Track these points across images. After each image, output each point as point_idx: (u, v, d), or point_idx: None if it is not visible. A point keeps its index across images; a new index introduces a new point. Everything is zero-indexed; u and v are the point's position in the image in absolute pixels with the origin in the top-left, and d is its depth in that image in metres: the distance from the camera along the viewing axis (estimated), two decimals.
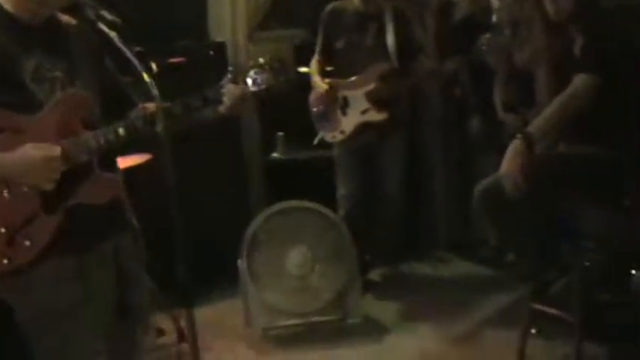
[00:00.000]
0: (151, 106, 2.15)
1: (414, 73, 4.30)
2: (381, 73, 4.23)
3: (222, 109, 2.20)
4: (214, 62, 4.62)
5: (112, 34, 2.08)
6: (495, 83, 4.47)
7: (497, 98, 4.45)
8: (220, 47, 4.81)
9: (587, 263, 3.14)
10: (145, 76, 2.01)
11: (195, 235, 4.32)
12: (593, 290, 3.19)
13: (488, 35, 3.98)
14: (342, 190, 4.43)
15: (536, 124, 3.07)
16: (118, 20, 2.13)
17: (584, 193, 3.12)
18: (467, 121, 4.86)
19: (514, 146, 2.99)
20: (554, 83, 3.35)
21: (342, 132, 4.33)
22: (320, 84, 4.32)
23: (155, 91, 2.02)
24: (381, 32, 4.23)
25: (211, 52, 4.72)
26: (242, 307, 3.98)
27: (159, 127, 2.05)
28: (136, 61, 2.00)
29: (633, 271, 3.02)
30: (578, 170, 3.14)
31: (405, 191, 4.54)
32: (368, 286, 4.43)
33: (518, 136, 3.01)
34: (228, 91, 2.19)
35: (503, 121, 4.45)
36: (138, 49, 4.18)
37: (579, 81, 3.06)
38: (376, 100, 4.23)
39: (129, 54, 2.02)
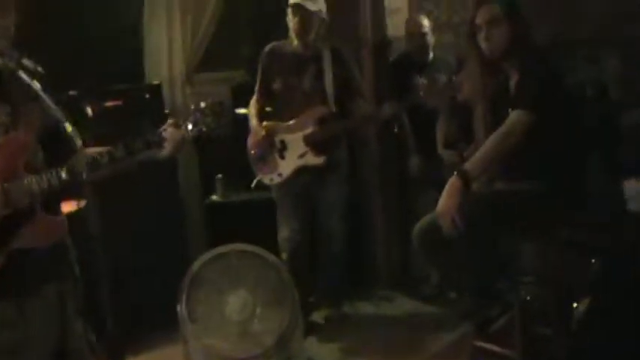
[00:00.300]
0: (92, 150, 2.14)
1: (352, 117, 4.32)
2: (318, 116, 4.23)
3: (163, 152, 2.19)
4: (150, 105, 4.59)
5: (34, 83, 2.08)
6: (439, 120, 4.53)
7: (439, 134, 4.51)
8: (156, 89, 4.78)
9: (528, 298, 3.17)
10: (68, 127, 2.02)
11: (134, 280, 4.33)
12: (535, 325, 3.21)
13: (424, 80, 4.02)
14: (283, 232, 4.40)
15: (473, 161, 3.08)
16: (39, 69, 2.12)
17: (521, 228, 3.15)
18: (406, 160, 4.91)
19: (450, 184, 3.01)
20: (491, 120, 3.41)
21: (280, 175, 4.32)
22: (257, 128, 4.31)
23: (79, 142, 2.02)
24: (320, 74, 4.24)
25: (147, 95, 4.67)
26: (182, 353, 3.90)
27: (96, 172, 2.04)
28: (58, 112, 2.01)
29: (575, 304, 3.06)
30: (514, 207, 3.17)
31: (346, 231, 4.53)
32: (311, 329, 4.39)
33: (455, 173, 3.03)
34: (170, 134, 2.18)
35: (442, 157, 4.51)
36: (72, 92, 4.20)
37: (514, 117, 3.10)
38: (314, 143, 4.23)
39: (49, 102, 2.03)
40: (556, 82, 3.26)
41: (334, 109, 4.25)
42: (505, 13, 3.23)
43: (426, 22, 4.96)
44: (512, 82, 3.29)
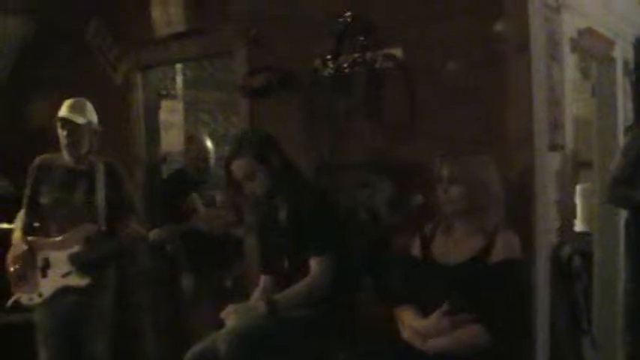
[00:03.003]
0: None
1: (123, 237, 4.11)
2: (87, 235, 4.00)
3: None
4: None
5: None
6: None
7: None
8: None
9: None
10: None
11: None
12: None
13: (201, 205, 3.98)
14: (43, 358, 4.05)
15: (285, 295, 3.27)
16: None
17: None
18: (179, 279, 4.78)
19: (254, 305, 3.26)
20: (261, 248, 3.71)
21: (41, 295, 4.00)
22: (19, 242, 4.00)
23: None
24: (91, 190, 4.05)
25: None
26: None
27: None
28: None
29: None
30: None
31: (111, 355, 4.27)
32: None
33: (263, 298, 3.23)
34: None
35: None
36: None
37: (316, 267, 3.29)
38: (80, 263, 3.98)
39: None
40: (327, 209, 3.41)
41: (104, 228, 4.04)
42: (258, 162, 3.36)
43: (205, 137, 4.95)
44: (283, 214, 3.41)
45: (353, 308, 3.47)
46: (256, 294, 3.56)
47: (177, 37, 4.55)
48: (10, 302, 4.06)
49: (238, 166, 3.41)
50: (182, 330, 4.78)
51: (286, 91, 4.01)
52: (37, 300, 4.01)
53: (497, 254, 2.92)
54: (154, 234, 4.03)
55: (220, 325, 3.29)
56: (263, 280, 3.59)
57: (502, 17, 3.45)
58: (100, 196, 4.05)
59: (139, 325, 4.91)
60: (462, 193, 2.98)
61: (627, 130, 4.76)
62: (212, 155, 4.89)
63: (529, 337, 3.37)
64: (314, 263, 3.29)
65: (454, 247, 3.05)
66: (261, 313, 3.21)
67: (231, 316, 3.27)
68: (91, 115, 4.08)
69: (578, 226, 5.50)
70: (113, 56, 5.00)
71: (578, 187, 5.56)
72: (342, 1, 3.80)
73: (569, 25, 4.10)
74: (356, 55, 3.72)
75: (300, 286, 3.29)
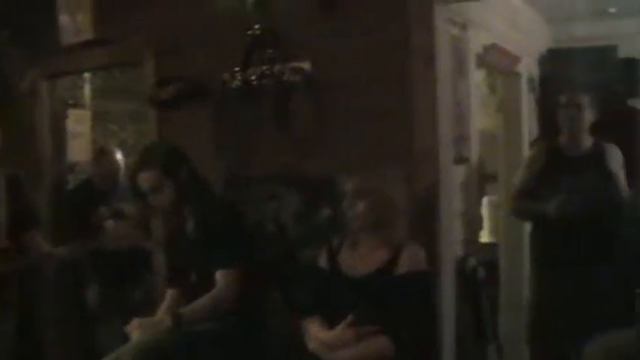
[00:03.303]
0: None
1: (26, 253, 3.95)
2: None
3: None
4: None
5: None
6: None
7: None
8: None
9: None
10: None
11: None
12: None
13: (109, 220, 3.91)
14: None
15: (190, 308, 3.22)
16: None
17: None
18: (84, 292, 4.67)
19: (159, 320, 3.25)
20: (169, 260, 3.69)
21: None
22: None
23: None
24: None
25: None
26: None
27: None
28: None
29: None
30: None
31: None
32: None
33: (169, 312, 3.23)
34: None
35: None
36: None
37: (221, 280, 3.25)
38: None
39: None
40: (234, 221, 3.40)
41: (6, 243, 3.89)
42: (164, 174, 3.33)
43: (114, 148, 4.86)
44: (190, 226, 3.39)
45: (260, 320, 3.45)
46: (162, 307, 3.51)
47: (86, 45, 4.46)
48: None
49: (144, 179, 3.36)
50: (88, 345, 4.68)
51: (195, 102, 3.98)
52: None
53: (403, 266, 2.96)
54: (59, 250, 3.92)
55: (126, 339, 3.24)
56: (169, 293, 3.55)
57: (409, 33, 3.50)
58: (2, 210, 3.91)
59: (44, 341, 4.77)
60: (367, 207, 3.01)
61: (532, 144, 4.90)
62: (121, 167, 4.80)
63: (435, 347, 3.42)
64: (220, 276, 3.26)
65: (360, 259, 3.07)
66: (167, 327, 3.17)
67: (136, 331, 3.22)
68: None
69: (486, 237, 5.63)
70: (19, 64, 4.87)
71: (485, 199, 5.70)
72: (251, 12, 3.79)
73: (475, 41, 4.21)
74: (264, 67, 3.72)
75: (205, 300, 3.26)
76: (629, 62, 5.59)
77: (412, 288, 2.93)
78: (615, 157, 4.15)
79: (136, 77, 4.68)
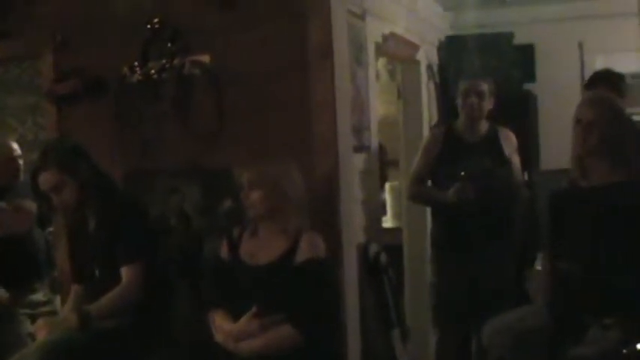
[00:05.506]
0: None
1: None
2: None
3: None
4: None
5: None
6: None
7: None
8: None
9: None
10: None
11: None
12: None
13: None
14: None
15: (98, 305, 3.20)
16: None
17: None
18: None
19: (65, 318, 3.24)
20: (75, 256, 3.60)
21: None
22: None
23: None
24: None
25: None
26: None
27: None
28: None
29: None
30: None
31: None
32: None
33: (75, 310, 3.21)
34: None
35: None
36: None
37: (126, 276, 3.26)
38: None
39: None
40: (137, 216, 3.40)
41: None
42: (65, 173, 3.31)
43: (14, 145, 4.74)
44: (92, 222, 3.40)
45: (168, 314, 3.46)
46: (67, 305, 3.49)
47: None
48: None
49: (45, 179, 3.32)
50: None
51: (94, 97, 3.94)
52: None
53: (302, 254, 3.01)
54: None
55: (33, 339, 3.21)
56: (74, 290, 3.52)
57: (306, 24, 3.55)
58: None
59: None
60: (261, 197, 3.05)
61: (431, 129, 5.01)
62: (20, 162, 4.69)
63: (340, 333, 3.49)
64: (124, 271, 3.26)
65: (260, 249, 3.11)
66: (74, 325, 3.15)
67: (41, 331, 3.19)
68: None
69: (389, 222, 5.75)
70: None
71: (387, 185, 5.82)
72: (150, 6, 3.77)
73: (374, 30, 4.29)
74: (164, 61, 3.71)
75: (111, 295, 3.24)
76: (525, 48, 5.79)
77: (311, 275, 2.99)
78: (509, 142, 4.28)
79: (34, 70, 4.57)
